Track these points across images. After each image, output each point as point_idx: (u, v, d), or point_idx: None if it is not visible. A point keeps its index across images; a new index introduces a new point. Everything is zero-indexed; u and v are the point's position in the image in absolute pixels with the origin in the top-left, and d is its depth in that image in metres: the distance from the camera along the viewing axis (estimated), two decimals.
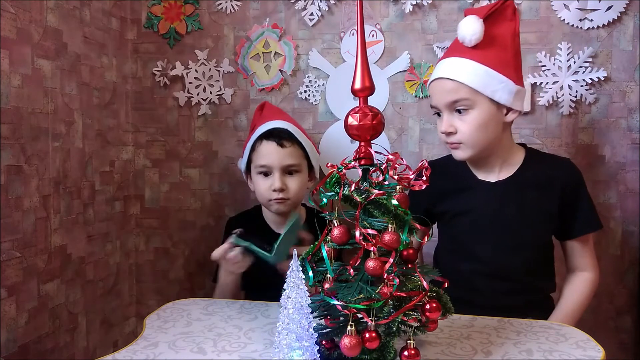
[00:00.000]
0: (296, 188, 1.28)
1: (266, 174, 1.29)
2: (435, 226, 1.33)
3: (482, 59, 1.13)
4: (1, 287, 1.14)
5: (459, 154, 1.18)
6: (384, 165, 0.76)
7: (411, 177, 0.76)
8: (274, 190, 1.26)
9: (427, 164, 0.78)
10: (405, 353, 0.75)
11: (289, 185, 1.28)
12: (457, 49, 1.16)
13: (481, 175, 1.23)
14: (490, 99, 1.13)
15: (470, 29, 1.12)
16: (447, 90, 1.15)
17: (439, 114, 1.20)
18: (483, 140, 1.16)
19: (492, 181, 1.22)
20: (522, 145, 1.27)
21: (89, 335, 1.48)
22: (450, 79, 1.14)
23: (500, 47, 1.15)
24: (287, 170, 1.28)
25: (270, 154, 1.27)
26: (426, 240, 0.79)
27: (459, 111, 1.15)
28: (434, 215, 1.29)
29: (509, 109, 1.16)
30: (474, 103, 1.13)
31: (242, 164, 1.38)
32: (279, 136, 1.28)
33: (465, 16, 1.15)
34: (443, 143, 1.23)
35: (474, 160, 1.23)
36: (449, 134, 1.16)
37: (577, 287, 1.22)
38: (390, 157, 0.75)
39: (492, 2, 1.36)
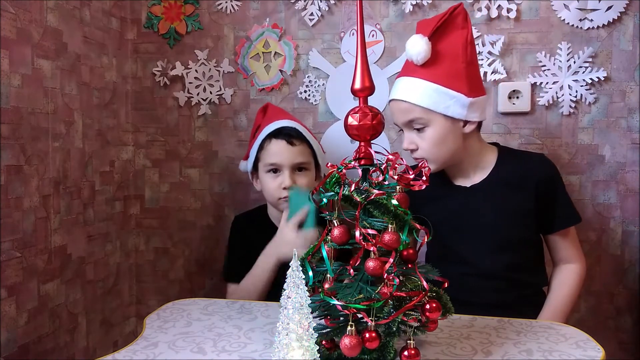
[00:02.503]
0: (304, 186, 1.29)
1: (275, 171, 1.29)
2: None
3: (431, 76, 1.14)
4: (1, 287, 1.14)
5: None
6: (384, 165, 0.76)
7: (411, 177, 0.76)
8: (284, 188, 1.27)
9: (427, 164, 0.78)
10: (405, 353, 0.75)
11: (298, 183, 1.28)
12: (408, 68, 1.18)
13: (457, 181, 1.25)
14: (444, 114, 1.14)
15: (415, 49, 1.13)
16: (402, 111, 1.18)
17: (402, 130, 1.22)
18: (444, 154, 1.18)
19: (468, 185, 1.23)
20: (495, 144, 1.28)
21: (89, 335, 1.48)
22: (403, 101, 1.16)
23: (451, 60, 1.14)
24: (297, 168, 1.29)
25: (281, 152, 1.28)
26: (426, 240, 0.79)
27: (417, 129, 1.18)
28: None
29: (466, 121, 1.17)
30: (428, 121, 1.15)
31: (248, 164, 1.38)
32: (289, 134, 1.29)
33: (416, 31, 1.16)
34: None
35: (446, 168, 1.24)
36: (411, 150, 1.20)
37: (564, 279, 1.23)
38: (390, 157, 0.75)
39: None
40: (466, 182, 1.24)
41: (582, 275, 1.24)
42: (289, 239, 1.24)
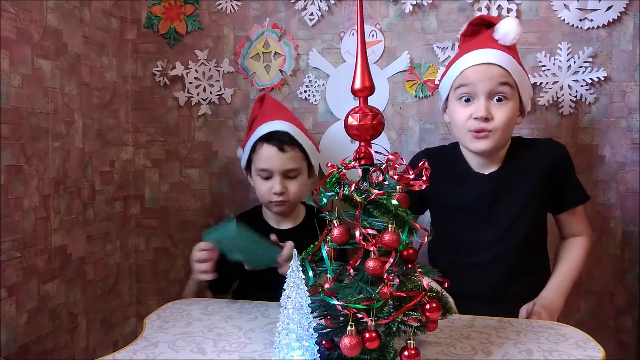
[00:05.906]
0: (296, 190, 1.30)
1: (266, 177, 1.29)
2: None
3: (516, 58, 1.19)
4: (1, 287, 1.14)
5: (483, 144, 1.17)
6: (384, 165, 0.76)
7: (411, 177, 0.76)
8: (274, 194, 1.27)
9: (427, 164, 0.78)
10: (405, 353, 0.75)
11: (289, 188, 1.29)
12: (494, 43, 1.18)
13: (476, 168, 1.25)
14: (519, 96, 1.18)
15: (516, 29, 1.17)
16: (496, 75, 1.15)
17: (467, 99, 1.18)
18: (507, 135, 1.20)
19: (486, 173, 1.24)
20: None
21: (89, 335, 1.48)
22: (500, 66, 1.15)
23: (517, 55, 1.21)
24: (287, 174, 1.29)
25: (271, 158, 1.28)
26: (426, 240, 0.79)
27: (499, 99, 1.16)
28: (426, 202, 1.32)
29: (522, 110, 1.21)
30: (512, 95, 1.17)
31: (242, 161, 1.38)
32: (280, 140, 1.28)
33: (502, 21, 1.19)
34: (465, 130, 1.19)
35: (473, 155, 1.24)
36: (485, 119, 1.15)
37: (571, 249, 1.26)
38: (390, 157, 0.75)
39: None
40: (485, 170, 1.24)
41: (589, 246, 1.27)
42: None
